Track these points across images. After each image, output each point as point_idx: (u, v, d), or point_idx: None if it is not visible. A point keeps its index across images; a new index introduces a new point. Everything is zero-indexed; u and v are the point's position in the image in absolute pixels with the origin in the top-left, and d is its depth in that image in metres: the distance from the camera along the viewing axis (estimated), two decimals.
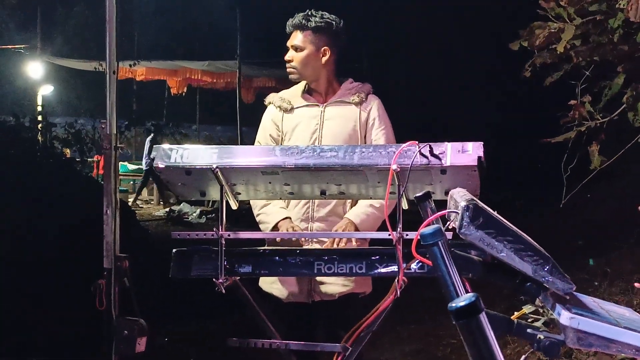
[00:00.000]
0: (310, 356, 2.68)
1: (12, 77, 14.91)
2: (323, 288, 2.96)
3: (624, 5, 3.85)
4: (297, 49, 3.07)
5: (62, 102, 16.57)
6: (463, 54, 15.69)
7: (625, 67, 4.23)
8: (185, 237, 2.34)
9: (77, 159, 9.05)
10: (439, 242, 1.45)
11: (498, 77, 13.26)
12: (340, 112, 3.07)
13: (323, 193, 2.36)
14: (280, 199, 2.89)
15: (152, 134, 15.01)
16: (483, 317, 1.32)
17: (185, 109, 21.41)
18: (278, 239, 2.84)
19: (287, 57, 3.11)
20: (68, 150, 9.55)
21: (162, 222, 12.61)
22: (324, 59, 3.07)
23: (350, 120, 3.06)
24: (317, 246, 2.91)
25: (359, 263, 2.27)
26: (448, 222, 1.71)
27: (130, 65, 15.60)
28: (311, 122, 3.06)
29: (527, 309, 1.81)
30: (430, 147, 2.13)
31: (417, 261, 2.14)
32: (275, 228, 2.93)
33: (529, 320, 1.77)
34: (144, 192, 16.21)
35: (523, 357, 2.12)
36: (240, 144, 11.56)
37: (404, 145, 2.16)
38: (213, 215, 12.47)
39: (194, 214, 12.91)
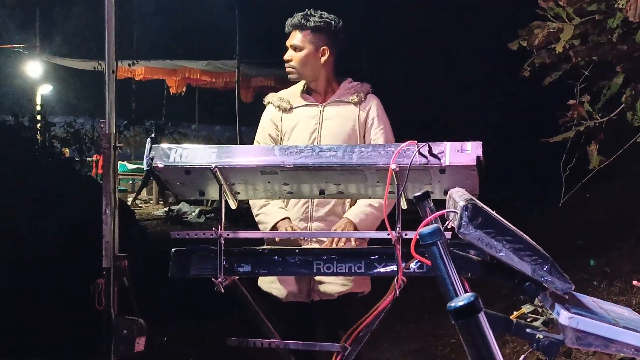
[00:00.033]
0: (310, 356, 2.69)
1: (11, 77, 14.88)
2: (322, 287, 2.96)
3: (622, 5, 3.86)
4: (296, 48, 3.07)
5: (61, 101, 16.54)
6: (463, 54, 15.71)
7: (624, 67, 4.24)
8: (185, 237, 2.34)
9: (76, 159, 9.00)
10: (438, 242, 1.45)
11: (498, 77, 13.26)
12: (339, 111, 3.07)
13: (322, 193, 2.36)
14: (279, 198, 2.89)
15: (153, 134, 15.00)
16: (482, 317, 1.32)
17: (185, 108, 21.40)
18: (277, 239, 2.84)
19: (286, 57, 3.11)
20: (67, 150, 9.52)
21: (161, 222, 12.60)
22: (323, 59, 3.07)
23: (349, 119, 3.06)
24: (316, 246, 2.91)
25: (358, 263, 2.27)
26: (447, 222, 1.71)
27: (129, 65, 15.58)
28: (310, 122, 3.06)
29: (526, 308, 1.81)
30: (429, 146, 2.13)
31: (416, 261, 2.14)
32: (274, 228, 2.93)
33: (528, 319, 1.77)
34: (143, 191, 16.22)
35: (522, 356, 2.12)
36: (239, 144, 11.54)
37: (403, 144, 2.16)
38: (212, 214, 12.46)
39: (193, 214, 12.91)
